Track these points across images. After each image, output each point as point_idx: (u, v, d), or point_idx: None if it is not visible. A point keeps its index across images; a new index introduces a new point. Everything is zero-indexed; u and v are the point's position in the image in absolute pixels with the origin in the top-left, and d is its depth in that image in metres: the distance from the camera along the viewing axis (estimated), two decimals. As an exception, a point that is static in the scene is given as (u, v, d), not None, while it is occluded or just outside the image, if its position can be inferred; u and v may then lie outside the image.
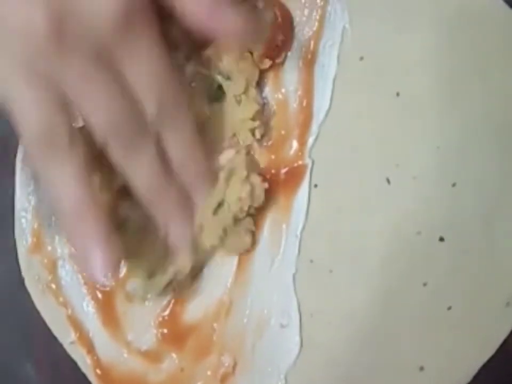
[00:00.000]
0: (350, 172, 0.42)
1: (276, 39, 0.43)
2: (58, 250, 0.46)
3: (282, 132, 0.44)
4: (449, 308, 0.40)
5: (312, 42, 0.44)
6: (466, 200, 0.41)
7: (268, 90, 0.44)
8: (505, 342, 0.40)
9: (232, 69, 0.43)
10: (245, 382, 0.43)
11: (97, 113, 0.36)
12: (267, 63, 0.43)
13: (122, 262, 0.42)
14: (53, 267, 0.46)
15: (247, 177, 0.41)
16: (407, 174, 0.41)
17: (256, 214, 0.43)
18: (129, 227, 0.43)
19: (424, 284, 0.40)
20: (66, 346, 0.46)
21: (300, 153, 0.43)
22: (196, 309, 0.44)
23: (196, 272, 0.44)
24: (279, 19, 0.43)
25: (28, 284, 0.47)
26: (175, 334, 0.44)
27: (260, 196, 0.42)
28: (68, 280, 0.46)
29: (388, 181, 0.42)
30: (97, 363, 0.45)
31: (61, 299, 0.46)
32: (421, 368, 0.40)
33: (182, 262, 0.42)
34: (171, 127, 0.38)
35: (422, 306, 0.40)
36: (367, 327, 0.41)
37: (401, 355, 0.40)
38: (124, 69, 0.36)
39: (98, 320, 0.45)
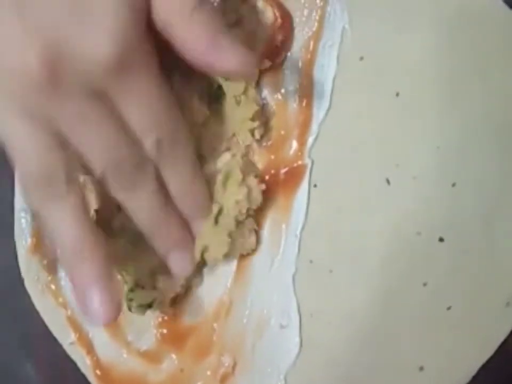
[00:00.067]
0: (349, 171, 0.42)
1: (275, 40, 0.43)
2: (58, 250, 0.46)
3: (282, 132, 0.44)
4: (449, 308, 0.40)
5: (311, 43, 0.44)
6: (466, 200, 0.41)
7: (267, 90, 0.44)
8: (505, 342, 0.40)
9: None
10: (245, 382, 0.43)
11: (93, 152, 0.36)
12: (267, 63, 0.43)
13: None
14: (52, 267, 0.46)
15: (243, 179, 0.41)
16: (407, 174, 0.41)
17: (255, 214, 0.43)
18: (124, 236, 0.43)
19: (424, 284, 0.40)
20: (66, 346, 0.46)
21: (300, 153, 0.43)
22: (196, 309, 0.44)
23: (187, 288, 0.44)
24: (279, 19, 0.43)
25: (28, 284, 0.47)
26: (175, 334, 0.44)
27: (257, 197, 0.42)
28: (67, 281, 0.46)
29: (388, 181, 0.42)
30: (97, 363, 0.45)
31: (60, 299, 0.46)
32: (421, 368, 0.40)
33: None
34: (170, 163, 0.38)
35: (421, 306, 0.40)
36: (366, 327, 0.41)
37: (401, 355, 0.40)
38: (120, 107, 0.35)
39: (98, 320, 0.45)
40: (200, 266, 0.44)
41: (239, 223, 0.42)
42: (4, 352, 0.47)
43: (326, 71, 0.43)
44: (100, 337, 0.45)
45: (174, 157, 0.38)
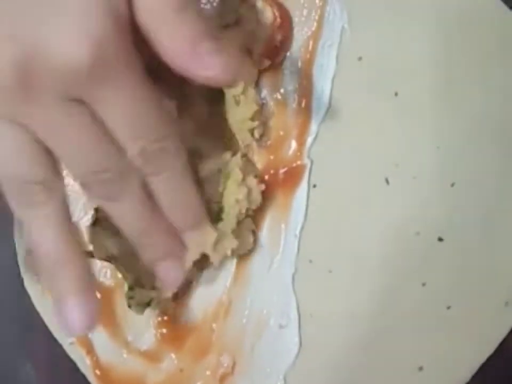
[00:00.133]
0: (349, 172, 0.42)
1: (274, 39, 0.43)
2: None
3: (281, 132, 0.44)
4: (448, 308, 0.40)
5: (311, 43, 0.44)
6: (465, 200, 0.41)
7: (266, 90, 0.44)
8: (504, 341, 0.40)
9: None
10: (244, 382, 0.43)
11: (72, 160, 0.34)
12: (266, 63, 0.43)
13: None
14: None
15: (243, 179, 0.41)
16: (407, 174, 0.41)
17: (255, 214, 0.43)
18: (123, 234, 0.43)
19: (423, 284, 0.40)
20: (66, 346, 0.46)
21: (299, 153, 0.43)
22: (195, 309, 0.44)
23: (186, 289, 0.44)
24: (278, 19, 0.43)
25: (27, 284, 0.47)
26: (174, 334, 0.44)
27: (257, 197, 0.42)
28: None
29: (387, 181, 0.42)
30: (97, 363, 0.45)
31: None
32: (420, 368, 0.40)
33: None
34: (156, 173, 0.36)
35: (421, 306, 0.40)
36: (366, 326, 0.41)
37: (400, 355, 0.40)
38: (101, 114, 0.34)
39: (98, 320, 0.45)
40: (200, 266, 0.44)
41: (238, 223, 0.42)
42: (4, 352, 0.47)
43: (325, 71, 0.43)
44: (100, 337, 0.45)
45: (160, 166, 0.36)
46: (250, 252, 0.43)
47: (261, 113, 0.43)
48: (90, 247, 0.44)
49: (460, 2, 0.41)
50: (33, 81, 0.32)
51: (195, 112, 0.42)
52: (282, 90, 0.44)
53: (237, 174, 0.42)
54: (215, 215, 0.41)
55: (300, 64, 0.44)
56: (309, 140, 0.43)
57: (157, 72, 0.37)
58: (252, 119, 0.43)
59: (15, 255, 0.47)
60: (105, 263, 0.44)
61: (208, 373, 0.43)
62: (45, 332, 0.46)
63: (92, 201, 0.37)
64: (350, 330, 0.41)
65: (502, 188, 0.40)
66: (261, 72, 0.44)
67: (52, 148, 0.34)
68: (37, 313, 0.46)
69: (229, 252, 0.41)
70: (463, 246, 0.40)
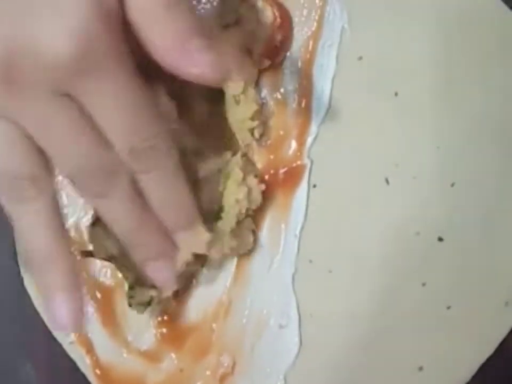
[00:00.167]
0: (349, 172, 0.42)
1: (274, 39, 0.43)
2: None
3: (281, 132, 0.44)
4: (449, 308, 0.40)
5: (311, 42, 0.44)
6: (465, 200, 0.41)
7: (266, 90, 0.44)
8: (504, 341, 0.40)
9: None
10: (244, 382, 0.43)
11: (59, 156, 0.34)
12: (266, 63, 0.43)
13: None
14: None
15: (244, 179, 0.41)
16: (407, 174, 0.41)
17: (255, 214, 0.43)
18: None
19: (423, 284, 0.40)
20: (66, 346, 0.46)
21: (299, 153, 0.43)
22: (195, 309, 0.44)
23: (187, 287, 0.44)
24: (278, 19, 0.43)
25: (27, 284, 0.47)
26: (174, 334, 0.44)
27: (257, 197, 0.42)
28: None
29: (387, 181, 0.42)
30: (97, 363, 0.45)
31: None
32: (420, 368, 0.40)
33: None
34: (146, 172, 0.35)
35: (421, 306, 0.40)
36: (366, 326, 0.41)
37: (400, 355, 0.41)
38: (89, 110, 0.33)
39: (98, 320, 0.45)
40: (200, 265, 0.44)
41: (237, 223, 0.42)
42: (4, 352, 0.47)
43: (325, 71, 0.43)
44: (100, 336, 0.45)
45: (150, 165, 0.35)
46: (250, 251, 0.43)
47: (261, 113, 0.43)
48: (90, 247, 0.44)
49: (460, 2, 0.41)
50: (19, 76, 0.31)
51: (195, 112, 0.42)
52: (282, 90, 0.44)
53: (237, 173, 0.42)
54: (214, 215, 0.41)
55: (300, 64, 0.44)
56: (309, 139, 0.43)
57: (156, 72, 0.37)
58: (252, 118, 0.43)
59: (15, 254, 0.47)
60: (105, 263, 0.44)
61: (208, 372, 0.43)
62: (45, 331, 0.46)
63: (81, 197, 0.36)
64: (350, 330, 0.41)
65: (502, 187, 0.40)
66: (261, 72, 0.44)
67: (40, 143, 0.33)
68: (37, 313, 0.46)
69: (227, 250, 0.41)
70: (463, 246, 0.40)
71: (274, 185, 0.43)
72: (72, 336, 0.45)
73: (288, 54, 0.44)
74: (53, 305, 0.34)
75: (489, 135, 0.41)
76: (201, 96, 0.43)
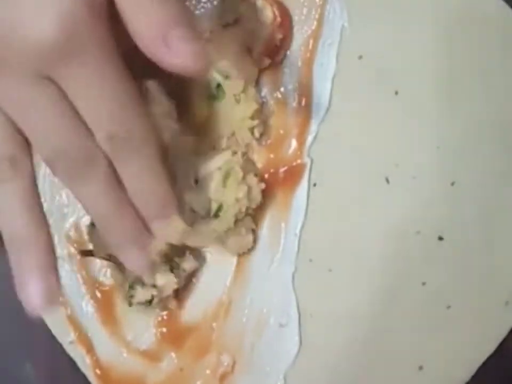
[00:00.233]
0: (349, 171, 0.42)
1: (275, 38, 0.43)
2: (57, 250, 0.46)
3: (281, 131, 0.44)
4: (449, 307, 0.40)
5: (311, 41, 0.44)
6: (465, 199, 0.41)
7: (266, 89, 0.44)
8: (504, 341, 0.40)
9: (231, 67, 0.43)
10: (244, 382, 0.43)
11: (37, 138, 0.34)
12: (266, 62, 0.43)
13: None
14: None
15: (244, 178, 0.41)
16: (407, 173, 0.41)
17: (255, 213, 0.43)
18: None
19: (423, 283, 0.41)
20: (66, 346, 0.46)
21: (299, 152, 0.43)
22: (195, 308, 0.44)
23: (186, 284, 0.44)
24: (278, 18, 0.43)
25: (27, 283, 0.47)
26: (174, 333, 0.44)
27: (257, 196, 0.42)
28: (67, 280, 0.46)
29: (387, 180, 0.42)
30: (97, 363, 0.45)
31: (60, 299, 0.46)
32: (420, 368, 0.40)
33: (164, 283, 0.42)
34: (124, 159, 0.35)
35: (421, 306, 0.41)
36: (366, 326, 0.41)
37: (400, 354, 0.41)
38: (70, 93, 0.33)
39: (98, 319, 0.45)
40: (200, 266, 0.44)
41: (236, 221, 0.42)
42: (4, 352, 0.47)
43: (325, 70, 0.43)
44: (100, 336, 0.45)
45: (128, 152, 0.35)
46: (250, 250, 0.43)
47: (261, 112, 0.43)
48: (90, 246, 0.44)
49: (461, 1, 0.41)
50: (2, 58, 0.32)
51: (195, 112, 0.42)
52: (282, 89, 0.44)
53: (237, 172, 0.42)
54: (214, 214, 0.41)
55: (300, 63, 0.44)
56: (309, 138, 0.43)
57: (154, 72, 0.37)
58: (252, 117, 0.43)
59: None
60: (105, 263, 0.44)
61: (208, 372, 0.43)
62: (45, 331, 0.46)
63: (58, 180, 0.36)
64: (350, 330, 0.41)
65: (502, 187, 0.40)
66: (261, 71, 0.44)
67: (20, 125, 0.34)
68: (37, 313, 0.46)
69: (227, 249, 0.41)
70: (463, 246, 0.40)
71: (274, 184, 0.43)
72: (72, 336, 0.45)
73: (288, 53, 0.44)
74: (28, 286, 0.35)
75: (489, 135, 0.41)
76: (201, 95, 0.43)
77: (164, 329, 0.44)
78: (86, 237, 0.45)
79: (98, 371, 0.45)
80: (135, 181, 0.36)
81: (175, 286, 0.42)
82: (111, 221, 0.37)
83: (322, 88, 0.43)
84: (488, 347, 0.40)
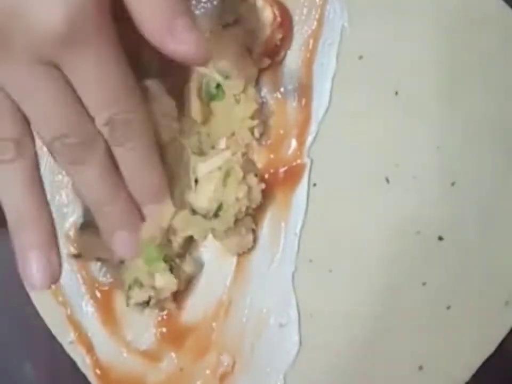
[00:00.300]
0: (349, 171, 0.42)
1: (274, 38, 0.43)
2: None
3: (281, 131, 0.44)
4: (449, 307, 0.40)
5: (311, 41, 0.44)
6: (465, 199, 0.41)
7: (266, 89, 0.44)
8: (504, 341, 0.40)
9: (231, 67, 0.43)
10: (244, 382, 0.43)
11: (39, 121, 0.35)
12: (266, 62, 0.43)
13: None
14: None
15: (244, 178, 0.41)
16: (407, 173, 0.41)
17: (255, 213, 0.43)
18: None
19: (424, 283, 0.41)
20: (66, 346, 0.46)
21: (299, 152, 0.43)
22: (195, 308, 0.44)
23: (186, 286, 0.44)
24: (278, 18, 0.43)
25: (27, 283, 0.47)
26: (174, 333, 0.44)
27: (257, 196, 0.42)
28: (67, 280, 0.46)
29: (387, 180, 0.42)
30: (97, 363, 0.45)
31: (60, 298, 0.46)
32: (420, 368, 0.40)
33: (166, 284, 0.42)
34: (121, 144, 0.36)
35: (421, 306, 0.41)
36: (366, 326, 0.41)
37: (400, 354, 0.41)
38: (72, 79, 0.34)
39: (98, 319, 0.45)
40: (201, 266, 0.44)
41: (236, 221, 0.42)
42: (3, 352, 0.47)
43: (325, 70, 0.43)
44: (100, 336, 0.45)
45: (126, 138, 0.36)
46: (250, 250, 0.43)
47: (261, 112, 0.43)
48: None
49: (461, 1, 0.41)
50: (8, 42, 0.32)
51: (194, 111, 0.42)
52: (282, 89, 0.44)
53: (237, 172, 0.42)
54: (214, 213, 0.41)
55: (300, 63, 0.44)
56: (309, 138, 0.43)
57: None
58: (252, 117, 0.43)
59: (14, 255, 0.47)
60: (106, 263, 0.44)
61: (208, 372, 0.43)
62: (45, 331, 0.46)
63: (57, 163, 0.37)
64: (350, 330, 0.41)
65: (502, 187, 0.40)
66: (261, 71, 0.44)
67: (23, 107, 0.35)
68: (37, 313, 0.46)
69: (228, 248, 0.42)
70: (463, 245, 0.40)
71: (274, 184, 0.43)
72: (72, 336, 0.45)
73: (288, 53, 0.44)
74: (29, 263, 0.36)
75: (489, 134, 0.41)
76: (200, 94, 0.43)
77: (164, 329, 0.44)
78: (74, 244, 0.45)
79: (98, 371, 0.45)
80: (131, 164, 0.38)
81: (175, 288, 0.43)
82: (106, 205, 0.38)
83: (322, 88, 0.43)
84: (488, 347, 0.40)
